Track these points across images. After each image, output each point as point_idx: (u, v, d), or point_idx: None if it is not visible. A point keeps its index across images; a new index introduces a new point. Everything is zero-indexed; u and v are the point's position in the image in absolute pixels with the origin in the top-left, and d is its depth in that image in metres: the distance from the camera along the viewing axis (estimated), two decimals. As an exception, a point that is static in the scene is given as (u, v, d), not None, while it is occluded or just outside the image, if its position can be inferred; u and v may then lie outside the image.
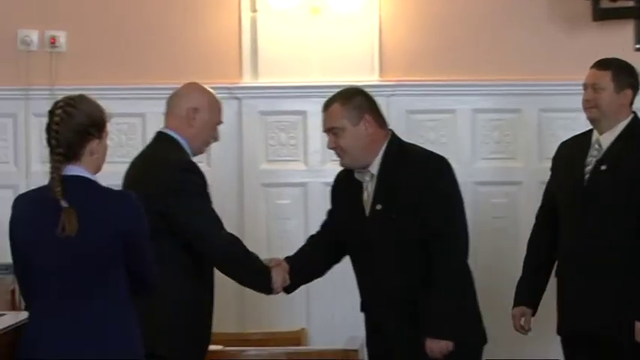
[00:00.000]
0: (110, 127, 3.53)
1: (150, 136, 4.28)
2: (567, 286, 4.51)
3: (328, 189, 4.51)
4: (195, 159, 4.18)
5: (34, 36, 6.03)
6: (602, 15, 5.86)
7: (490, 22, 5.99)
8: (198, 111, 4.18)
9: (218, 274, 4.18)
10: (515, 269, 4.75)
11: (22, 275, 3.48)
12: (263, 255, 4.30)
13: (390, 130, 4.29)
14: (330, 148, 4.28)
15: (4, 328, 3.70)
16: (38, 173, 5.65)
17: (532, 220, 4.74)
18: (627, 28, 5.89)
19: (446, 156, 4.28)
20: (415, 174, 4.14)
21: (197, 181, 4.07)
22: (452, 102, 5.99)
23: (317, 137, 5.82)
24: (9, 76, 6.02)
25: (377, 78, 5.95)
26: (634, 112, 4.52)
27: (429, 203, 4.10)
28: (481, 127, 6.00)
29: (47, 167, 3.41)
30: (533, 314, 4.64)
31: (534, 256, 4.68)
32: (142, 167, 4.14)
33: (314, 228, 4.55)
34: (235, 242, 4.13)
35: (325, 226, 4.47)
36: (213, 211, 4.10)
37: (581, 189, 4.44)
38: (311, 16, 5.93)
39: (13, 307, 5.22)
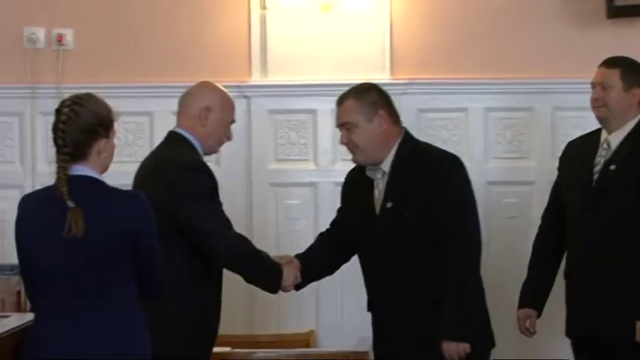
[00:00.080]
0: (117, 125, 3.50)
1: (158, 135, 4.25)
2: (576, 287, 4.47)
3: (338, 189, 4.50)
4: (203, 158, 4.14)
5: (40, 34, 5.99)
6: (616, 12, 5.81)
7: (503, 19, 5.94)
8: (210, 110, 4.14)
9: (227, 276, 4.15)
10: (528, 269, 4.73)
11: (27, 276, 3.46)
12: (272, 255, 4.25)
13: (404, 128, 4.27)
14: (342, 143, 4.26)
15: (9, 330, 3.71)
16: (44, 173, 5.62)
17: (545, 221, 4.71)
18: (642, 26, 5.85)
19: (458, 155, 4.25)
20: (428, 173, 4.12)
21: (206, 181, 4.04)
22: (464, 100, 5.94)
23: (327, 136, 5.83)
24: (15, 75, 5.98)
25: (388, 76, 5.91)
26: (643, 111, 4.49)
27: (442, 202, 4.08)
28: (493, 125, 5.95)
29: (53, 167, 3.38)
30: (539, 316, 4.61)
31: (540, 257, 4.65)
32: (151, 167, 4.11)
33: (324, 228, 4.53)
34: (244, 243, 4.10)
35: (335, 223, 4.46)
36: (222, 212, 4.06)
37: (590, 189, 4.40)
38: (321, 13, 5.89)
39: (19, 308, 5.23)
